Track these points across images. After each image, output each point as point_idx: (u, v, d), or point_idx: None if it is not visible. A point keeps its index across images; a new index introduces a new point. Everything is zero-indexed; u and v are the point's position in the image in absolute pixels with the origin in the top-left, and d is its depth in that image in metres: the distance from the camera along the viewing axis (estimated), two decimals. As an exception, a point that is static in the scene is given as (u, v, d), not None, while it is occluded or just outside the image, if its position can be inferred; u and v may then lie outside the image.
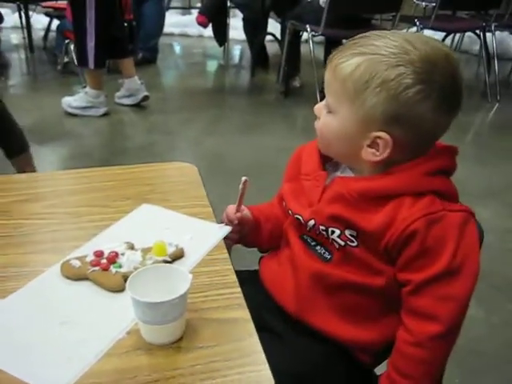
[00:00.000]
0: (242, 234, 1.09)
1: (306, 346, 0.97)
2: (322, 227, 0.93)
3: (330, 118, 0.91)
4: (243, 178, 1.02)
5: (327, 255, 0.95)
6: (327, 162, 0.99)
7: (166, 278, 0.78)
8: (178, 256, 0.93)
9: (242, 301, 0.84)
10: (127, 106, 3.86)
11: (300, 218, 0.97)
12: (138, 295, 0.73)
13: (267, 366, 0.73)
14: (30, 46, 5.05)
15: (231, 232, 1.04)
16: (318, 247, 0.96)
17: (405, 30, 5.12)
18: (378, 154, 0.87)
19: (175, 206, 1.09)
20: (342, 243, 0.91)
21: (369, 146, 0.88)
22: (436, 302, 0.86)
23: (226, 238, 1.02)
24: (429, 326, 0.86)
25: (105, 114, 3.69)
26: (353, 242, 0.90)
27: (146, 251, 0.92)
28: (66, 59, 4.55)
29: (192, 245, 0.96)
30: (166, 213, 1.07)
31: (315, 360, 0.97)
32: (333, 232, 0.92)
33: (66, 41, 4.42)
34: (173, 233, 0.99)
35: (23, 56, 5.27)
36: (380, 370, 1.04)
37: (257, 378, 0.71)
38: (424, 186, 0.88)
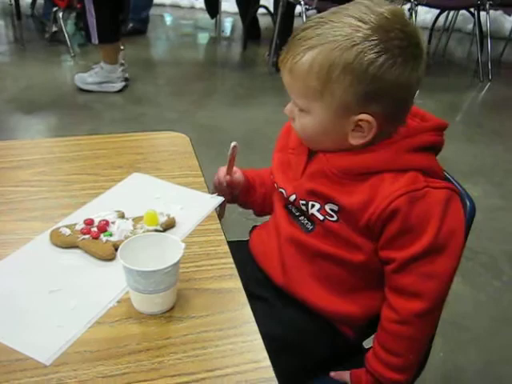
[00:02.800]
0: (234, 195, 1.10)
1: (293, 314, 0.97)
2: (302, 201, 0.93)
3: (305, 119, 0.89)
4: (232, 144, 1.03)
5: (309, 226, 0.94)
6: None
7: (158, 246, 0.77)
8: (169, 225, 0.92)
9: (235, 271, 0.83)
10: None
11: (283, 191, 0.97)
12: (130, 263, 0.72)
13: (259, 335, 0.72)
14: (17, 12, 4.93)
15: (222, 193, 1.05)
16: (302, 217, 0.96)
17: (399, 6, 5.09)
18: (365, 135, 0.86)
19: (167, 175, 1.07)
20: (321, 217, 0.91)
21: (353, 130, 0.86)
22: (420, 280, 0.86)
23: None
24: (413, 303, 0.86)
25: (120, 90, 3.59)
26: (332, 216, 0.90)
27: (137, 220, 0.91)
28: (54, 28, 4.46)
29: (183, 214, 0.95)
30: (157, 182, 1.06)
31: (302, 328, 0.97)
32: (313, 206, 0.92)
33: (55, 8, 4.31)
34: (164, 202, 0.98)
35: (10, 23, 5.15)
36: (368, 343, 1.05)
37: (249, 347, 0.71)
38: (406, 163, 0.87)
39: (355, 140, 0.87)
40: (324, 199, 0.90)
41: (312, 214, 0.92)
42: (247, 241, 1.10)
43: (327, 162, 0.90)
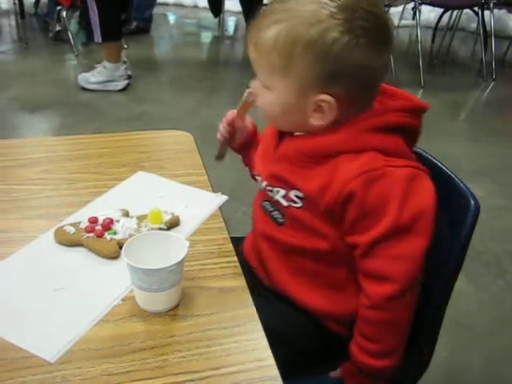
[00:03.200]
0: (233, 138, 1.09)
1: (284, 309, 0.96)
2: (268, 187, 0.92)
3: (268, 96, 0.87)
4: (248, 90, 0.98)
5: (280, 219, 0.93)
6: None
7: (162, 244, 0.77)
8: (173, 224, 0.92)
9: (239, 270, 0.83)
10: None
11: (259, 178, 0.96)
12: (134, 262, 0.72)
13: (263, 334, 0.72)
14: (20, 11, 4.94)
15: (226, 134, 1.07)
16: (275, 212, 0.94)
17: (402, 6, 5.09)
18: (325, 116, 0.84)
19: (171, 174, 1.07)
20: (286, 204, 0.89)
21: (314, 111, 0.84)
22: (387, 263, 0.83)
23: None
24: (383, 287, 0.83)
25: (124, 89, 3.59)
26: (296, 203, 0.88)
27: (141, 218, 0.91)
28: (57, 27, 4.46)
29: (187, 213, 0.95)
30: (161, 181, 1.06)
31: (294, 323, 0.96)
32: (278, 192, 0.90)
33: (58, 7, 4.32)
34: (168, 201, 0.98)
35: (13, 22, 5.16)
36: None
37: (253, 346, 0.71)
38: (365, 143, 0.84)
39: (316, 121, 0.85)
40: (288, 185, 0.88)
41: (277, 201, 0.91)
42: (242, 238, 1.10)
43: (289, 146, 0.89)
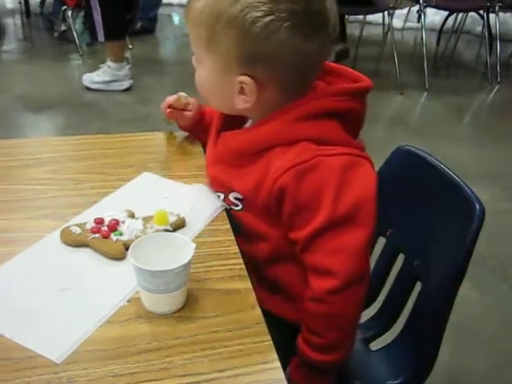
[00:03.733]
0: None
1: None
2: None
3: (199, 70, 0.87)
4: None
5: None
6: None
7: (168, 246, 0.77)
8: (179, 225, 0.92)
9: (245, 272, 0.83)
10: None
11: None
12: (140, 263, 0.72)
13: (269, 337, 0.72)
14: (26, 11, 4.95)
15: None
16: (232, 206, 0.93)
17: (406, 8, 5.08)
18: (247, 99, 0.82)
19: (177, 175, 1.07)
20: (227, 207, 0.89)
21: (239, 92, 0.82)
22: (327, 257, 0.80)
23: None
24: (324, 280, 0.81)
25: (128, 89, 3.59)
26: (237, 205, 0.87)
27: (147, 220, 0.91)
28: (63, 27, 4.47)
29: (193, 214, 0.95)
30: (166, 182, 1.06)
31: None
32: (219, 196, 0.90)
33: (64, 7, 4.33)
34: (174, 202, 0.97)
35: (19, 22, 5.17)
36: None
37: (259, 349, 0.71)
38: (295, 133, 0.81)
39: (240, 103, 0.83)
40: (226, 188, 0.87)
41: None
42: None
43: (222, 146, 0.88)
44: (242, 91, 0.82)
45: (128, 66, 3.58)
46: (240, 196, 0.86)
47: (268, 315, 0.76)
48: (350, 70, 0.89)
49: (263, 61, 0.79)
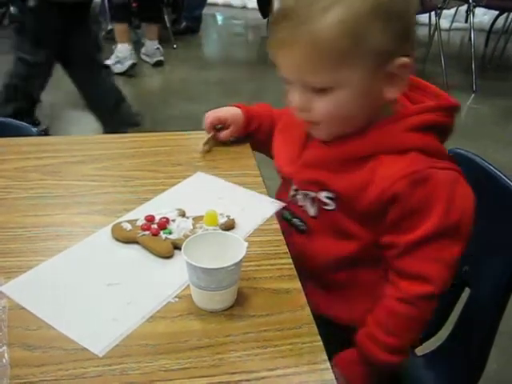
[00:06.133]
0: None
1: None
2: (296, 191, 0.92)
3: (336, 97, 0.80)
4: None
5: (303, 226, 0.92)
6: None
7: (220, 244, 0.78)
8: (228, 227, 0.92)
9: (294, 272, 0.83)
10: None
11: (288, 179, 0.96)
12: (192, 260, 0.73)
13: (319, 338, 0.72)
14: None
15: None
16: (295, 220, 0.93)
17: (454, 8, 4.98)
18: (401, 84, 0.81)
19: (226, 174, 1.08)
20: (313, 209, 0.89)
21: (388, 84, 0.81)
22: (426, 264, 0.82)
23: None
24: (420, 286, 0.83)
25: (130, 70, 3.81)
26: (328, 205, 0.87)
27: (197, 219, 0.92)
28: (110, 26, 4.56)
29: (243, 216, 0.95)
30: (219, 182, 1.06)
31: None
32: (306, 195, 0.90)
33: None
34: (225, 203, 0.97)
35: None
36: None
37: (308, 349, 0.71)
38: (405, 143, 0.81)
39: (392, 93, 0.82)
40: (320, 186, 0.87)
41: (300, 207, 0.91)
42: None
43: (324, 150, 0.87)
44: (390, 81, 0.81)
45: (130, 48, 3.82)
46: (333, 195, 0.86)
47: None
48: (428, 84, 0.90)
49: (408, 34, 0.80)
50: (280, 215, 0.97)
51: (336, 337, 0.86)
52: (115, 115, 2.77)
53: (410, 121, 0.82)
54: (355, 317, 0.91)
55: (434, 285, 0.83)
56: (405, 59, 0.79)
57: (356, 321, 0.91)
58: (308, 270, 0.90)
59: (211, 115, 1.15)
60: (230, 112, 1.14)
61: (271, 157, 1.04)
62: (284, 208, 0.95)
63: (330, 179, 0.86)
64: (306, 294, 0.79)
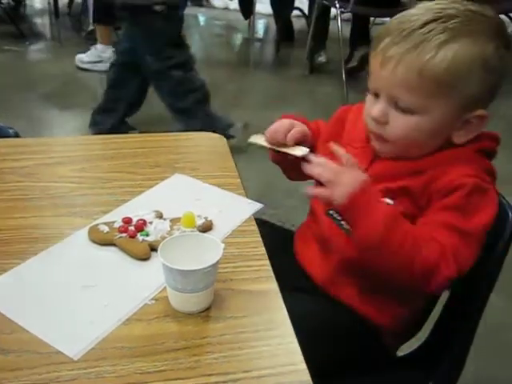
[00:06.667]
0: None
1: (331, 310, 0.96)
2: None
3: (413, 120, 0.85)
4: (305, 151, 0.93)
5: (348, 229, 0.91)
6: None
7: (197, 246, 0.78)
8: (206, 228, 0.92)
9: (271, 273, 0.83)
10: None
11: None
12: (169, 262, 0.73)
13: (295, 339, 0.72)
14: (55, 11, 5.03)
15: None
16: (344, 222, 0.92)
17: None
18: (471, 132, 0.86)
19: (204, 175, 1.08)
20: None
21: (459, 129, 0.86)
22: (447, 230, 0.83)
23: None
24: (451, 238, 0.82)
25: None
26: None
27: (174, 221, 0.92)
28: (91, 26, 4.53)
29: (221, 218, 0.95)
30: (197, 184, 1.06)
31: (337, 322, 0.95)
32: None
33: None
34: (203, 204, 0.98)
35: (47, 21, 5.25)
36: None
37: (285, 350, 0.71)
38: (477, 162, 0.86)
39: (459, 138, 0.86)
40: (385, 195, 0.88)
41: None
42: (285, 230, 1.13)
43: (393, 164, 0.90)
44: (463, 127, 0.86)
45: (113, 49, 3.77)
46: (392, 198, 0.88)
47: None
48: None
49: (497, 90, 0.85)
50: (324, 211, 0.96)
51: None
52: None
53: (476, 145, 0.87)
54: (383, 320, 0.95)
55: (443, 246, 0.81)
56: (484, 112, 0.84)
57: (384, 325, 0.95)
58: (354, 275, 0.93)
59: (297, 129, 0.97)
60: (304, 127, 1.00)
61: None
62: (331, 208, 0.93)
63: (396, 186, 0.88)
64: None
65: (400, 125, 0.86)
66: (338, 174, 0.82)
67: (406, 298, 0.95)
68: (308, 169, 0.85)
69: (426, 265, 0.80)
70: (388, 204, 0.87)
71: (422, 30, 0.81)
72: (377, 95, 0.88)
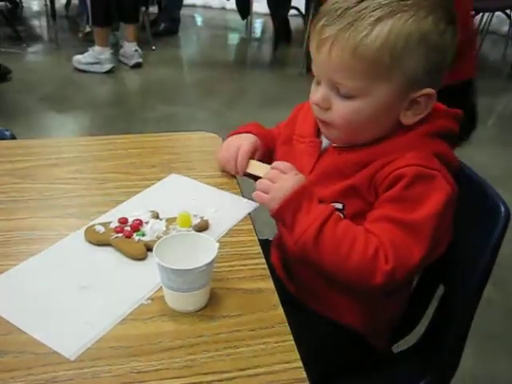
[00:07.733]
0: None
1: (315, 321, 0.96)
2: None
3: (355, 105, 0.82)
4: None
5: None
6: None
7: (192, 246, 0.78)
8: (202, 228, 0.92)
9: (267, 272, 0.83)
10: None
11: None
12: (164, 262, 0.73)
13: (291, 337, 0.72)
14: (52, 13, 5.02)
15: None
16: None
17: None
18: (420, 111, 0.82)
19: (200, 175, 1.08)
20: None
21: (407, 109, 0.82)
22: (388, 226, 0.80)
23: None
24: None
25: (109, 71, 3.89)
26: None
27: (170, 221, 0.92)
28: (87, 28, 4.53)
29: (217, 217, 0.95)
30: (193, 183, 1.06)
31: (324, 334, 0.95)
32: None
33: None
34: (199, 204, 0.98)
35: (44, 23, 5.25)
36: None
37: (281, 348, 0.71)
38: (424, 147, 0.82)
39: (408, 119, 0.83)
40: (332, 198, 0.87)
41: None
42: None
43: (342, 158, 0.87)
44: (411, 106, 0.83)
45: (110, 51, 3.89)
46: (341, 204, 0.87)
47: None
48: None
49: (442, 68, 0.82)
50: None
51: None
52: None
53: (429, 126, 0.84)
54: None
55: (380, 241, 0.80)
56: (431, 90, 0.81)
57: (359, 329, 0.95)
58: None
59: (244, 149, 1.02)
60: (250, 141, 1.05)
61: None
62: None
63: (344, 184, 0.86)
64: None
65: (342, 110, 0.84)
66: (274, 180, 0.86)
67: (372, 300, 0.94)
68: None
69: (362, 260, 0.79)
70: (334, 208, 0.85)
71: (357, 7, 0.77)
72: (318, 82, 0.86)
